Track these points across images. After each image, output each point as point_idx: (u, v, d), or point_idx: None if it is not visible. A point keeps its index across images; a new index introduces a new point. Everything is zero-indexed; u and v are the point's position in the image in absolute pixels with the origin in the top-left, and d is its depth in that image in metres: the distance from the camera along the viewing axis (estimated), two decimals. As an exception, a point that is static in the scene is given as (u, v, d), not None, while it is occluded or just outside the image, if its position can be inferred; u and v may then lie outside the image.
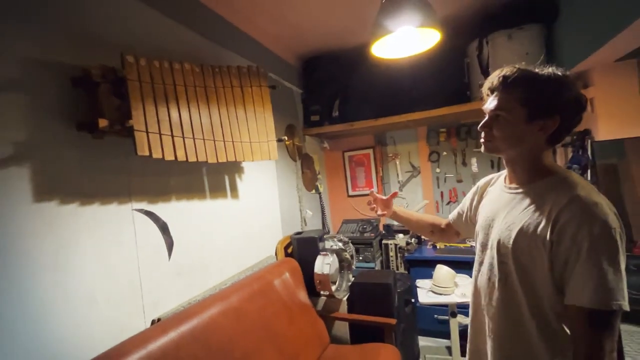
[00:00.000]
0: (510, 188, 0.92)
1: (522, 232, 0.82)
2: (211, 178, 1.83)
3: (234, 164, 2.03)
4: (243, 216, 2.06)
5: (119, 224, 1.31)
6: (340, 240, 2.42)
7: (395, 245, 2.99)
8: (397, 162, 3.35)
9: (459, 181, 3.12)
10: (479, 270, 0.96)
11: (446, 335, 2.46)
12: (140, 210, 1.40)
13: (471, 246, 2.75)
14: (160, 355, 1.16)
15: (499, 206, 0.93)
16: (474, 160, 3.02)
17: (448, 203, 3.17)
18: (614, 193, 2.26)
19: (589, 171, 2.11)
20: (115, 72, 1.21)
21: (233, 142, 1.64)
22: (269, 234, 2.35)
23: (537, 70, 0.82)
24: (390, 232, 3.11)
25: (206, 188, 1.79)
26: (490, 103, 0.87)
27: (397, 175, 3.36)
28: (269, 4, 2.05)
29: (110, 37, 1.35)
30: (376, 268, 2.96)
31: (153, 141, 1.26)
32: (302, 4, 2.11)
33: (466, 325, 2.32)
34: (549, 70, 0.81)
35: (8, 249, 0.98)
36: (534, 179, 0.86)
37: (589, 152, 2.14)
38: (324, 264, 2.09)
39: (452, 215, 1.23)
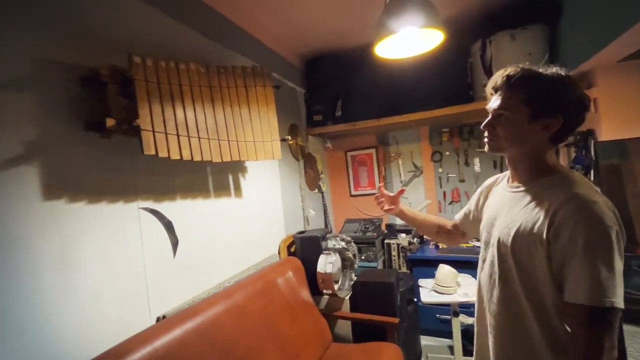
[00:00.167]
0: (512, 187, 0.93)
1: (520, 231, 0.82)
2: (215, 177, 1.84)
3: (238, 164, 2.04)
4: (246, 215, 2.07)
5: (125, 223, 1.33)
6: (342, 240, 2.43)
7: (398, 244, 3.00)
8: (400, 162, 3.36)
9: (462, 181, 3.13)
10: (482, 268, 0.98)
11: (448, 334, 2.47)
12: (146, 209, 1.42)
13: (474, 246, 2.76)
14: (166, 353, 1.17)
15: (502, 205, 0.94)
16: (476, 160, 3.02)
17: (450, 203, 3.17)
18: (617, 193, 2.25)
19: (592, 171, 2.10)
20: (122, 72, 1.23)
21: (237, 141, 1.66)
22: (272, 233, 2.36)
23: (540, 70, 0.83)
24: (393, 231, 3.11)
25: (210, 187, 1.81)
26: (494, 102, 0.88)
27: (400, 175, 3.36)
28: (271, 3, 2.06)
29: (113, 36, 1.36)
30: (379, 267, 2.97)
31: (159, 140, 1.27)
32: (304, 4, 2.11)
33: (468, 325, 2.34)
34: (553, 70, 0.82)
35: (17, 245, 0.99)
36: (535, 177, 0.87)
37: (592, 152, 2.13)
38: (327, 263, 2.10)
39: (459, 215, 1.24)
